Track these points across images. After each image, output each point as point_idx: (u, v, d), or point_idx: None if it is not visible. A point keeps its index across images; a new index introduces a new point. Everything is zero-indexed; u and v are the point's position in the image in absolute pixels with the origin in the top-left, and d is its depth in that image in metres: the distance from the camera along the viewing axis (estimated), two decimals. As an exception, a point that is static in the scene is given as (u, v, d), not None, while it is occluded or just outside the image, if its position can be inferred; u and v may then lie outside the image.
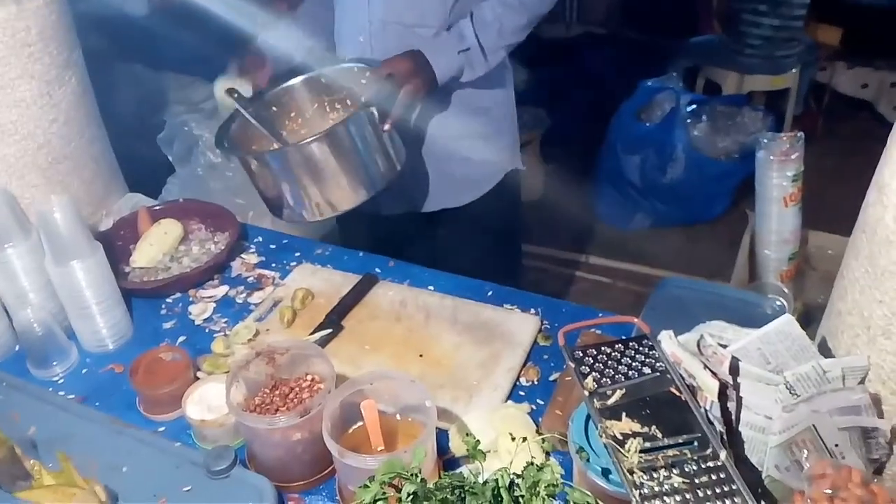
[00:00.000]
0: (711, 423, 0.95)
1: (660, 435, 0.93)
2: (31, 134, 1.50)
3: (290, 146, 1.48)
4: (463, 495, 0.82)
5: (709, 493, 0.88)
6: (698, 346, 1.04)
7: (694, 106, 3.34)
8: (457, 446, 1.18)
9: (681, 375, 1.01)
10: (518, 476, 0.84)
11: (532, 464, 0.85)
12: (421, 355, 1.37)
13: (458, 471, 0.96)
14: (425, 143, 1.68)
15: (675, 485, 0.88)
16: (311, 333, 1.41)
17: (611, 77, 3.67)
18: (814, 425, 0.97)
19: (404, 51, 1.51)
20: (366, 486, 0.85)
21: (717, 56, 3.83)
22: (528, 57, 3.46)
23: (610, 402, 0.98)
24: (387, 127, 1.44)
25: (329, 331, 1.42)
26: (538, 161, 3.51)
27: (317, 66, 1.64)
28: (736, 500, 0.87)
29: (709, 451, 0.92)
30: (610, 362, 1.04)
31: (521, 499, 0.81)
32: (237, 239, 1.66)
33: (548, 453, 1.20)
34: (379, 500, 0.83)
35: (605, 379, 1.02)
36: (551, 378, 1.33)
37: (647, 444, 0.92)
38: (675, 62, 3.78)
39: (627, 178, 3.31)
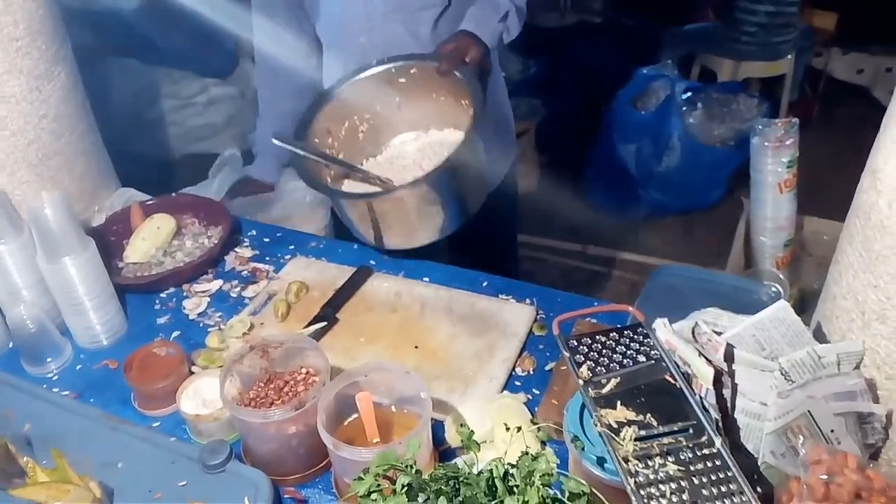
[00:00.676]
0: (706, 411, 0.95)
1: (655, 423, 0.93)
2: (21, 130, 1.49)
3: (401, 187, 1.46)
4: (457, 486, 0.82)
5: (704, 480, 0.87)
6: (693, 333, 1.03)
7: (689, 93, 3.33)
8: (452, 437, 1.18)
9: (675, 363, 1.00)
10: (513, 466, 0.84)
11: (527, 453, 0.85)
12: (416, 347, 1.37)
13: (453, 462, 0.96)
14: None
15: (671, 472, 0.88)
16: (306, 326, 1.40)
17: (606, 65, 3.65)
18: (809, 411, 0.96)
19: (452, 34, 1.54)
20: (360, 479, 0.85)
21: (712, 43, 3.81)
22: (523, 46, 3.45)
23: (605, 390, 0.98)
24: None
25: (324, 323, 1.41)
26: (533, 151, 3.50)
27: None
28: (731, 486, 0.87)
29: (704, 438, 0.91)
30: (605, 351, 1.04)
31: (515, 488, 0.80)
32: (230, 233, 1.66)
33: (544, 443, 1.20)
34: (373, 491, 0.83)
35: (599, 368, 1.01)
36: (547, 368, 1.33)
37: (642, 433, 0.91)
38: (670, 50, 3.77)
39: (623, 167, 3.31)
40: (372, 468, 0.86)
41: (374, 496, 0.82)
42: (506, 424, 0.92)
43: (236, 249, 1.66)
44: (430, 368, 1.32)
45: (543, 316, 1.43)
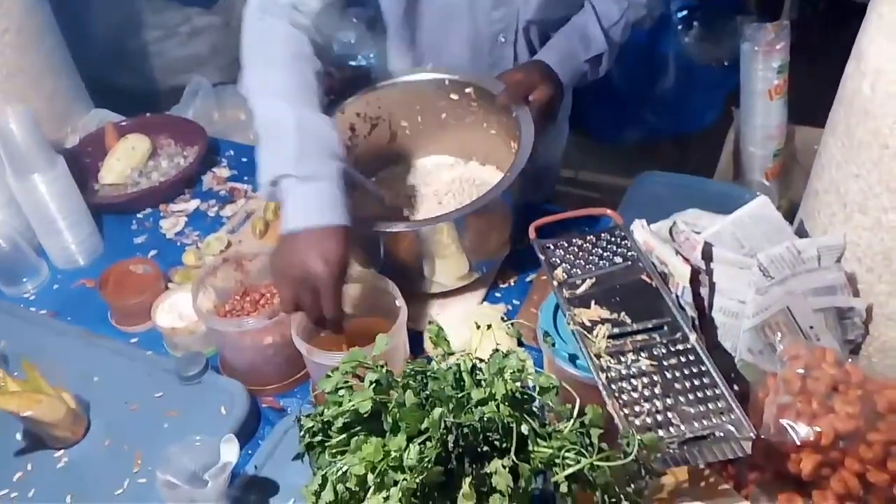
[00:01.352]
0: (682, 309, 0.93)
1: (629, 321, 0.91)
2: (-19, 46, 1.44)
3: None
4: (425, 381, 0.81)
5: (677, 374, 0.86)
6: (671, 233, 1.01)
7: (685, 12, 3.22)
8: (431, 346, 1.17)
9: (652, 263, 0.98)
10: (481, 361, 0.82)
11: (497, 350, 0.83)
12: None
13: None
14: None
15: (643, 367, 0.86)
16: (285, 243, 1.38)
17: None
18: (788, 307, 0.95)
19: (528, 61, 1.32)
20: (328, 376, 0.83)
21: (709, -40, 3.68)
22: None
23: (579, 291, 0.96)
24: None
25: (302, 239, 1.38)
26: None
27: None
28: (705, 380, 0.86)
29: (678, 335, 0.90)
30: (581, 254, 1.02)
31: (482, 381, 0.79)
32: (207, 152, 1.62)
33: (521, 345, 1.19)
34: (341, 388, 0.81)
35: (575, 270, 0.99)
36: (528, 279, 1.31)
37: (616, 330, 0.90)
38: (666, -33, 3.63)
39: (616, 90, 3.22)
40: (341, 366, 0.84)
41: (340, 392, 0.80)
42: (476, 323, 0.90)
43: (214, 169, 1.63)
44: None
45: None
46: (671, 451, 0.79)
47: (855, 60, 0.89)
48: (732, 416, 0.82)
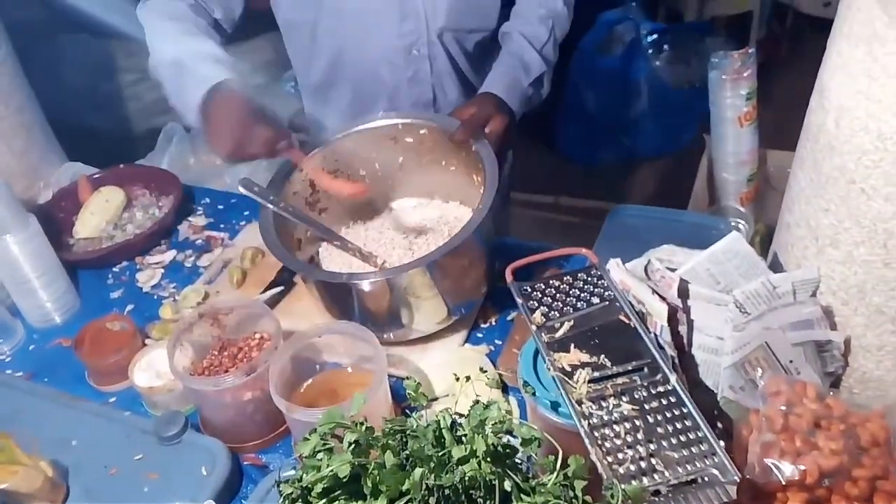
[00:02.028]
0: (662, 348, 0.93)
1: (609, 364, 0.91)
2: (-48, 107, 1.43)
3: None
4: (405, 439, 0.79)
5: (659, 417, 0.85)
6: (646, 271, 1.01)
7: (655, 35, 3.27)
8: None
9: (630, 302, 0.98)
10: (461, 416, 0.81)
11: (478, 402, 0.83)
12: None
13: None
14: None
15: (625, 412, 0.86)
16: (263, 292, 1.37)
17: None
18: (766, 343, 0.95)
19: (476, 96, 1.34)
20: (306, 439, 0.82)
21: (676, -19, 3.73)
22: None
23: (558, 334, 0.95)
24: None
25: (280, 288, 1.38)
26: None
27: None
28: (687, 422, 0.85)
29: (659, 376, 0.89)
30: (559, 295, 1.01)
31: (464, 438, 0.78)
32: (183, 202, 1.61)
33: (507, 391, 1.18)
34: (319, 451, 0.80)
35: (553, 312, 0.99)
36: (509, 318, 1.31)
37: (596, 374, 0.89)
38: (634, -10, 3.68)
39: (591, 115, 3.26)
40: (319, 428, 0.83)
41: (319, 455, 0.79)
42: (455, 374, 0.89)
43: (189, 218, 1.62)
44: (390, 326, 1.28)
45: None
46: (656, 500, 0.78)
47: (818, 95, 0.90)
48: (716, 460, 0.81)
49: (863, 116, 0.81)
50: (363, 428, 0.81)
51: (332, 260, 1.33)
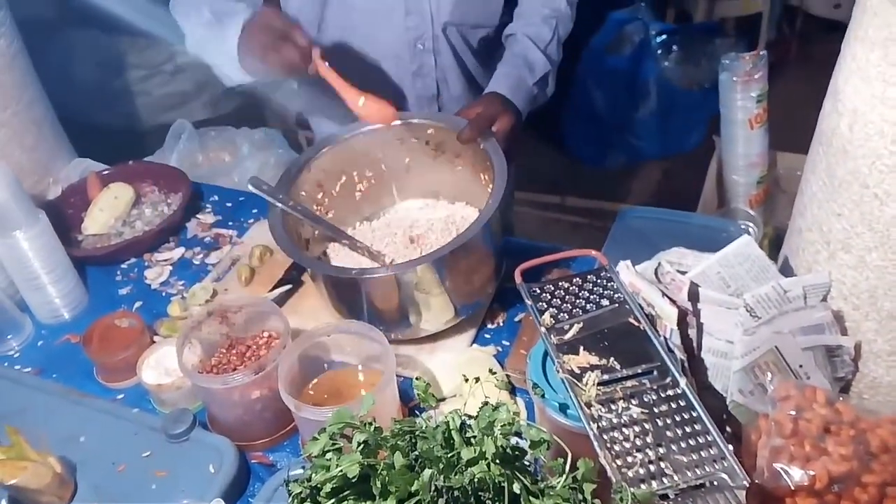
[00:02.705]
0: (671, 352, 0.93)
1: (618, 366, 0.90)
2: (-39, 103, 1.44)
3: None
4: (414, 440, 0.79)
5: (668, 421, 0.85)
6: (656, 273, 1.01)
7: (664, 36, 3.26)
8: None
9: (639, 305, 0.98)
10: (471, 417, 0.81)
11: (487, 403, 0.82)
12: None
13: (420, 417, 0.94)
14: None
15: (634, 415, 0.85)
16: (271, 290, 1.37)
17: (579, 12, 3.57)
18: (776, 347, 0.94)
19: (482, 95, 1.34)
20: (315, 439, 0.82)
21: (686, -18, 3.72)
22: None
23: (567, 336, 0.95)
24: None
25: (289, 286, 1.38)
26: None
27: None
28: (696, 426, 0.85)
29: (668, 379, 0.89)
30: (568, 297, 1.01)
31: (472, 439, 0.78)
32: (191, 199, 1.61)
33: (515, 392, 1.18)
34: (328, 451, 0.80)
35: (562, 314, 0.99)
36: (517, 319, 1.31)
37: (605, 377, 0.89)
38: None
39: (600, 116, 3.25)
40: (328, 427, 0.83)
41: (328, 455, 0.79)
42: (464, 376, 0.89)
43: (198, 216, 1.62)
44: (398, 325, 1.28)
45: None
46: (665, 504, 0.78)
47: (832, 99, 0.90)
48: (725, 464, 0.81)
49: (877, 121, 0.81)
50: (372, 428, 0.81)
51: (341, 259, 1.33)
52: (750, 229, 1.81)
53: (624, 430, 0.85)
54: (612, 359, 0.92)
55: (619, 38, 3.21)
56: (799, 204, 1.02)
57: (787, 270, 1.04)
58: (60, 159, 1.69)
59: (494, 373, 0.89)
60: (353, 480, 0.77)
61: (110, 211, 1.57)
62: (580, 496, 0.75)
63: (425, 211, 1.41)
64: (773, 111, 2.03)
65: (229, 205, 1.65)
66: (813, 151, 0.96)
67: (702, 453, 0.82)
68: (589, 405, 0.87)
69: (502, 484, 0.74)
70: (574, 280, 1.03)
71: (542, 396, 0.91)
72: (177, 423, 1.11)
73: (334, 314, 1.25)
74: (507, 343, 1.26)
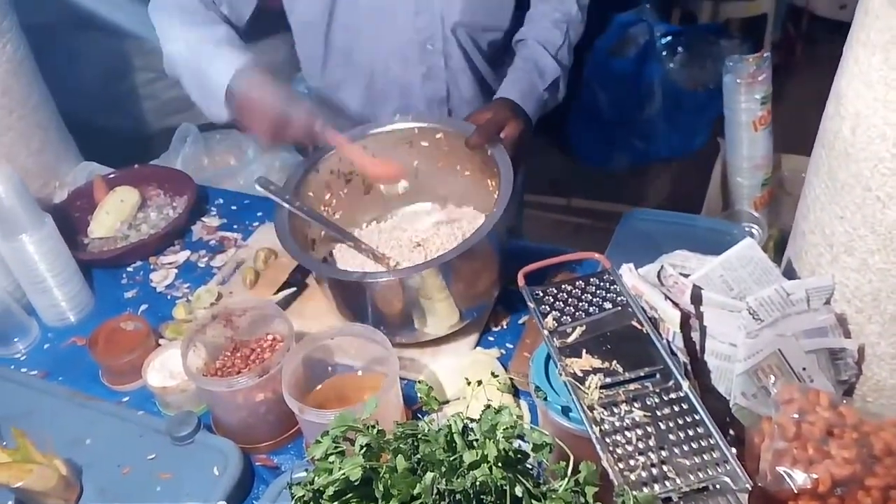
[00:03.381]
0: (674, 355, 0.93)
1: (621, 370, 0.91)
2: (-32, 108, 1.45)
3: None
4: (416, 443, 0.80)
5: (671, 424, 0.85)
6: (659, 276, 1.01)
7: (669, 38, 3.26)
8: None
9: (642, 308, 0.98)
10: (473, 420, 0.81)
11: (489, 406, 0.83)
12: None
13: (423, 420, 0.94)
14: None
15: (637, 418, 0.86)
16: (275, 293, 1.38)
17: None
18: (780, 350, 0.94)
19: (492, 101, 1.35)
20: (318, 442, 0.83)
21: (690, -17, 3.72)
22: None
23: (570, 339, 0.95)
24: None
25: (293, 289, 1.38)
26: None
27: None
28: (699, 429, 0.85)
29: (671, 382, 0.89)
30: (570, 300, 1.01)
31: (475, 443, 0.78)
32: (197, 202, 1.62)
33: (518, 395, 1.18)
34: (331, 454, 0.81)
35: (565, 317, 0.99)
36: (520, 321, 1.31)
37: (608, 380, 0.89)
38: (649, -7, 3.67)
39: (605, 117, 3.25)
40: (331, 430, 0.83)
41: (331, 458, 0.79)
42: (467, 379, 0.89)
43: (203, 219, 1.62)
44: (402, 328, 1.28)
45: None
46: (668, 507, 0.78)
47: (834, 102, 0.90)
48: (728, 467, 0.81)
49: (880, 124, 0.81)
50: (375, 431, 0.82)
51: (346, 262, 1.33)
52: (754, 231, 1.81)
53: (626, 433, 0.85)
54: (614, 362, 0.92)
55: (624, 40, 3.20)
56: (802, 207, 1.02)
57: (790, 273, 1.04)
58: (66, 163, 1.70)
59: (497, 376, 0.89)
60: (356, 483, 0.77)
61: (116, 214, 1.58)
62: (582, 499, 0.76)
63: (433, 215, 1.41)
64: (779, 113, 2.02)
65: (234, 208, 1.66)
66: (815, 154, 0.97)
67: (704, 456, 0.82)
68: (591, 408, 0.87)
69: (504, 487, 0.74)
70: (577, 283, 1.03)
71: (545, 399, 0.91)
72: (181, 425, 1.11)
73: (338, 317, 1.26)
74: (511, 346, 1.26)
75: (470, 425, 0.81)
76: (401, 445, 0.80)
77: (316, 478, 0.78)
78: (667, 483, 0.80)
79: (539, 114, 1.39)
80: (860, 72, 0.82)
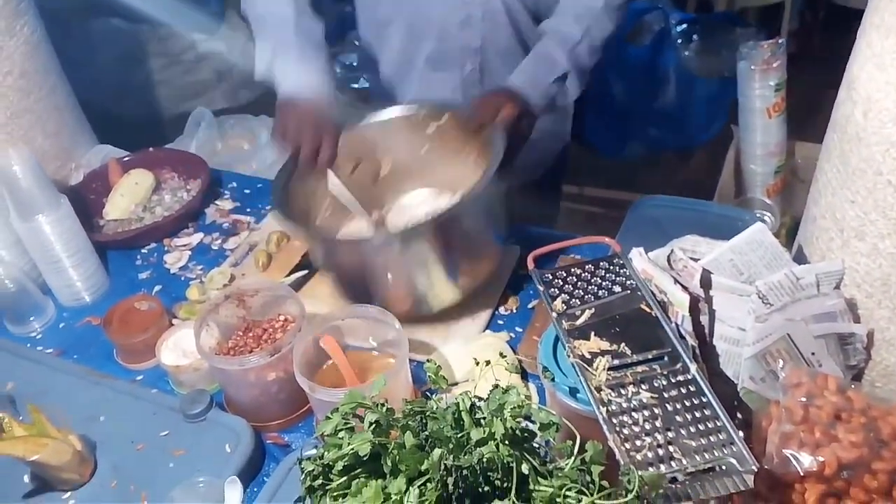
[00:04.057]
0: (683, 338, 0.93)
1: (629, 352, 0.91)
2: (-14, 89, 1.46)
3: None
4: (424, 420, 0.81)
5: (678, 406, 0.86)
6: (668, 260, 1.01)
7: (684, 25, 3.23)
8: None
9: (651, 292, 0.98)
10: (480, 399, 0.82)
11: (497, 386, 0.83)
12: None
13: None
14: None
15: (644, 400, 0.86)
16: (288, 275, 1.39)
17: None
18: (789, 334, 0.94)
19: (494, 88, 1.37)
20: (328, 418, 0.84)
21: (706, -29, 3.69)
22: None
23: (579, 322, 0.96)
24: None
25: (305, 272, 1.40)
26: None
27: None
28: (706, 412, 0.85)
29: (679, 365, 0.89)
30: (580, 283, 1.01)
31: (482, 421, 0.79)
32: (210, 186, 1.63)
33: (526, 378, 1.19)
34: (341, 430, 0.82)
35: (574, 300, 0.99)
36: (530, 306, 1.31)
37: (616, 362, 0.90)
38: (664, -19, 3.64)
39: (619, 106, 3.23)
40: (341, 407, 0.84)
41: (340, 434, 0.80)
42: (475, 359, 0.90)
43: (217, 202, 1.64)
44: (413, 311, 1.29)
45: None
46: (673, 487, 0.78)
47: (847, 86, 0.89)
48: (734, 449, 0.81)
49: (892, 108, 0.80)
50: (384, 409, 0.83)
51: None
52: (766, 218, 1.80)
53: (633, 414, 0.85)
54: (622, 344, 0.92)
55: (639, 28, 3.18)
56: (813, 192, 1.02)
57: (801, 258, 1.04)
58: (82, 145, 1.72)
59: (505, 356, 0.90)
60: (365, 459, 0.78)
61: (131, 196, 1.60)
62: (588, 478, 0.76)
63: (437, 199, 1.42)
64: (796, 101, 2.01)
65: (247, 191, 1.67)
66: (828, 139, 0.96)
67: (711, 438, 0.83)
68: (599, 389, 0.87)
69: (511, 464, 0.75)
70: (587, 267, 1.04)
71: (553, 380, 0.91)
72: (194, 403, 1.13)
73: (344, 296, 1.28)
74: (520, 329, 1.27)
75: (478, 404, 0.82)
76: (409, 422, 0.80)
77: (325, 453, 0.79)
78: (673, 463, 0.80)
79: (545, 104, 1.39)
80: (873, 55, 0.82)
